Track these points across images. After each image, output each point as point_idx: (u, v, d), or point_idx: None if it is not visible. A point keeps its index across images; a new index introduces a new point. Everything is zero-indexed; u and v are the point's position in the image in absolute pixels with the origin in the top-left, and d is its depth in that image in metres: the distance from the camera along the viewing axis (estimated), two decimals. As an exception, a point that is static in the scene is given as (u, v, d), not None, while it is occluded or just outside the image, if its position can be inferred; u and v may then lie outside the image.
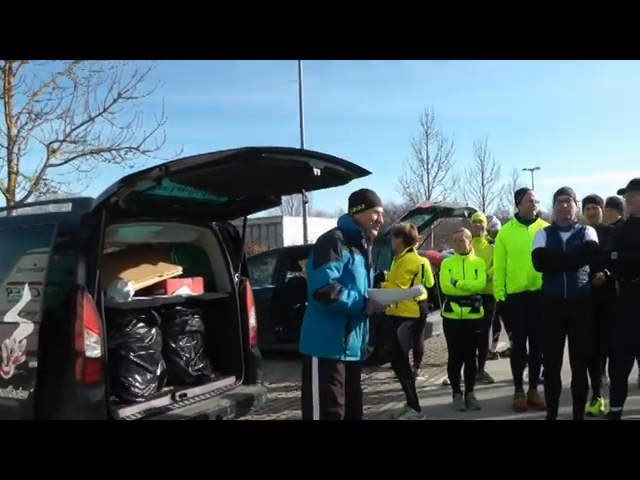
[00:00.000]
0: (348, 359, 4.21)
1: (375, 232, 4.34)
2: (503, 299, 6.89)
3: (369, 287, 4.37)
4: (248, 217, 5.87)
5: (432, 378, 8.58)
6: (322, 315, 4.18)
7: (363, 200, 4.29)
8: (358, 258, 4.22)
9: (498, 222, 9.35)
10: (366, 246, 4.32)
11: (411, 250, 6.72)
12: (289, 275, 11.59)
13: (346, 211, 4.43)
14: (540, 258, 5.68)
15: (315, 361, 4.14)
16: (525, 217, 6.85)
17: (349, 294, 4.06)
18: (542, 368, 6.40)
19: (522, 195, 7.04)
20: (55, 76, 12.24)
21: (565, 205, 5.70)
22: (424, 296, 8.14)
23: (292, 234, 30.19)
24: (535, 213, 6.88)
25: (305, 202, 23.30)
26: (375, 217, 4.27)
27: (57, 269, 4.51)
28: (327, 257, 4.06)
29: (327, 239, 4.20)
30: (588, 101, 79.09)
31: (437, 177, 39.55)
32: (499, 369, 8.03)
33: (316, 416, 4.10)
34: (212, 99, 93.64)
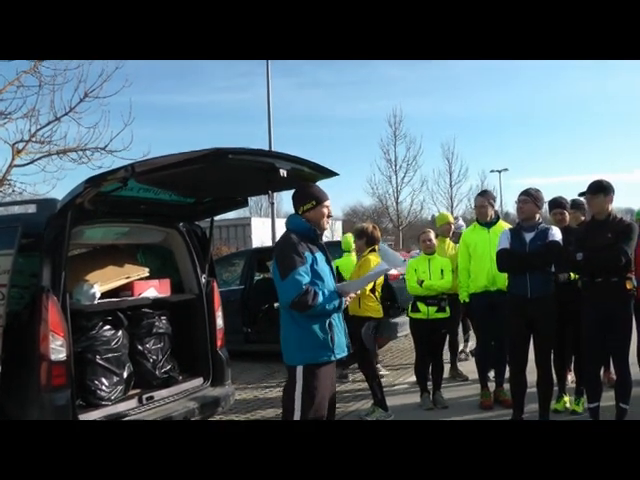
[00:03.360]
0: (338, 357, 4.16)
1: (327, 226, 4.35)
2: (467, 300, 7.02)
3: (334, 280, 4.31)
4: (216, 218, 5.84)
5: (401, 378, 8.64)
6: (300, 321, 4.07)
7: (312, 197, 4.23)
8: (319, 255, 4.17)
9: (463, 224, 9.46)
10: (321, 240, 4.31)
11: (373, 250, 6.71)
12: (257, 276, 11.59)
13: None
14: (502, 259, 5.76)
15: (299, 369, 4.05)
16: (481, 220, 6.97)
17: (324, 295, 4.00)
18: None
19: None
20: (20, 74, 11.98)
21: (521, 205, 5.81)
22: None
23: (261, 235, 30.26)
24: (489, 217, 6.97)
25: (271, 203, 23.32)
26: (326, 212, 4.25)
27: (22, 271, 4.45)
28: (293, 264, 3.96)
29: (286, 246, 4.10)
30: (559, 103, 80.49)
31: (405, 178, 39.79)
32: (470, 368, 8.10)
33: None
34: (180, 99, 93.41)
